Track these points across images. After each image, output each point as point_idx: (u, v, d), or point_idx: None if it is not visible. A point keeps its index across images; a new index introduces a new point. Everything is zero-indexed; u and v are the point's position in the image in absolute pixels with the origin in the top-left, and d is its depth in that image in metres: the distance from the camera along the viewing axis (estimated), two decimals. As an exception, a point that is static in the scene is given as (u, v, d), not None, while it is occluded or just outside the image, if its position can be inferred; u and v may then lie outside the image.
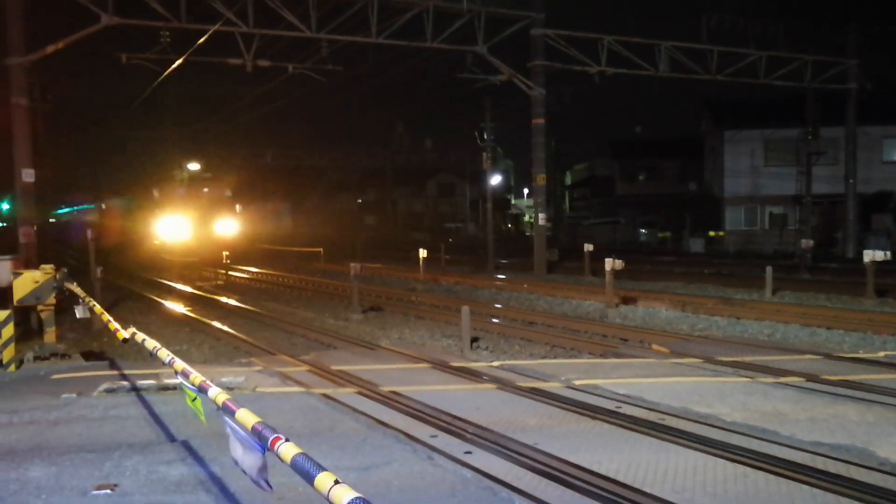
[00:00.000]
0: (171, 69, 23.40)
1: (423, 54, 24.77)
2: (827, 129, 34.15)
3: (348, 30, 23.47)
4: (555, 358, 12.78)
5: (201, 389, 4.32)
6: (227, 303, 22.39)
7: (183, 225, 37.26)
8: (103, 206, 49.59)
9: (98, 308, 9.95)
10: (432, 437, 7.06)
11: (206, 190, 39.05)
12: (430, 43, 24.01)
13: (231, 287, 27.61)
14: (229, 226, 38.62)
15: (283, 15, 22.29)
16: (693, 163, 56.78)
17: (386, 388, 9.18)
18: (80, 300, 11.61)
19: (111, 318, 8.29)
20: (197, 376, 4.47)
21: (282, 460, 3.04)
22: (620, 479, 5.75)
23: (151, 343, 6.15)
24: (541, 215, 30.37)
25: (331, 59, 24.28)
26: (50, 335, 12.39)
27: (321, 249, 36.70)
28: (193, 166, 40.43)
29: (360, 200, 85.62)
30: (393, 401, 8.57)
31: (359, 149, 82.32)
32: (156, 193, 39.70)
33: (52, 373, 10.37)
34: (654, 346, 12.74)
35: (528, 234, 65.80)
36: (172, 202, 37.99)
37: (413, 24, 23.86)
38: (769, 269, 20.59)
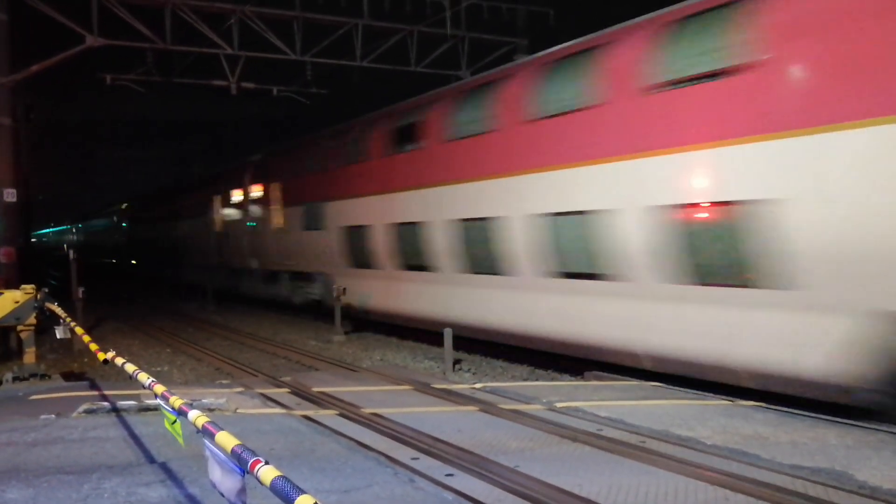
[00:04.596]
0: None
1: (407, 78, 24.85)
2: None
3: (333, 53, 23.54)
4: (536, 380, 12.79)
5: (181, 412, 4.29)
6: (209, 322, 22.27)
7: None
8: None
9: (79, 329, 9.89)
10: (413, 459, 7.04)
11: None
12: (414, 67, 24.12)
13: (215, 306, 27.49)
14: None
15: (268, 38, 22.36)
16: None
17: (367, 410, 9.15)
18: (61, 320, 11.54)
19: (91, 339, 8.25)
20: (176, 399, 4.45)
21: (261, 483, 3.03)
22: (601, 501, 5.75)
23: (131, 367, 6.12)
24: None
25: (315, 83, 24.38)
26: (30, 356, 12.28)
27: None
28: None
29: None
30: (374, 423, 8.54)
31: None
32: None
33: (31, 393, 10.26)
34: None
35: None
36: None
37: (398, 48, 23.96)
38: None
